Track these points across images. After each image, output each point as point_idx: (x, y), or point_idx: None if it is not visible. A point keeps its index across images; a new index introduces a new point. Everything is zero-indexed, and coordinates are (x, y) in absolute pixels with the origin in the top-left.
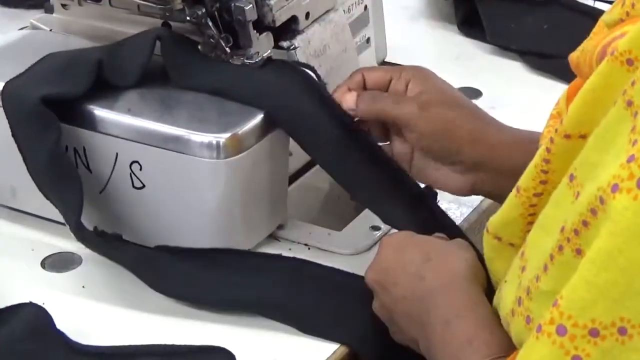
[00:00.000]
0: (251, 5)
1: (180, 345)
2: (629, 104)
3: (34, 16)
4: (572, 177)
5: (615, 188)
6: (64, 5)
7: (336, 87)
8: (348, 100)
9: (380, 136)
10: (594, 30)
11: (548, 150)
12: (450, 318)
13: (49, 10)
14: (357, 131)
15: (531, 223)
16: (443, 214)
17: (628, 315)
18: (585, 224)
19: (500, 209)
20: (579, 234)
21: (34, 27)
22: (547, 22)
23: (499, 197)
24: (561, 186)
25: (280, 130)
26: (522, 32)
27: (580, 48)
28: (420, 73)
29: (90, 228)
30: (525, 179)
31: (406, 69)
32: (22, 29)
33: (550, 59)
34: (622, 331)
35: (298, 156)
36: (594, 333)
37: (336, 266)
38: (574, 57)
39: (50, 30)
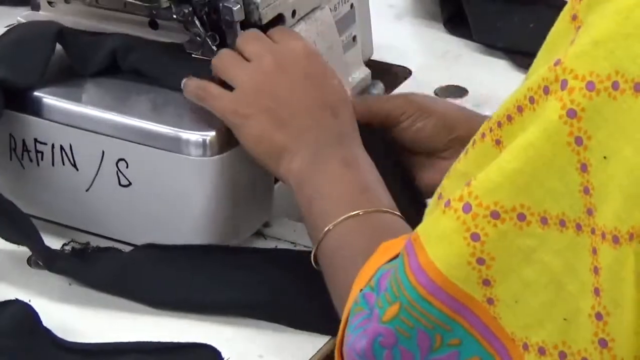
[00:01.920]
0: (239, 5)
1: (166, 342)
2: (574, 17)
3: (21, 13)
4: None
5: (546, 90)
6: (50, 3)
7: None
8: None
9: None
10: None
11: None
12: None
13: (36, 7)
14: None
15: None
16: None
17: (528, 203)
18: (509, 118)
19: None
20: (501, 126)
21: None
22: (534, 20)
23: None
24: None
25: None
26: (508, 31)
27: None
28: (411, 97)
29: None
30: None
31: (397, 97)
32: (8, 26)
33: (535, 57)
34: (520, 217)
35: None
36: (495, 215)
37: None
38: None
39: None
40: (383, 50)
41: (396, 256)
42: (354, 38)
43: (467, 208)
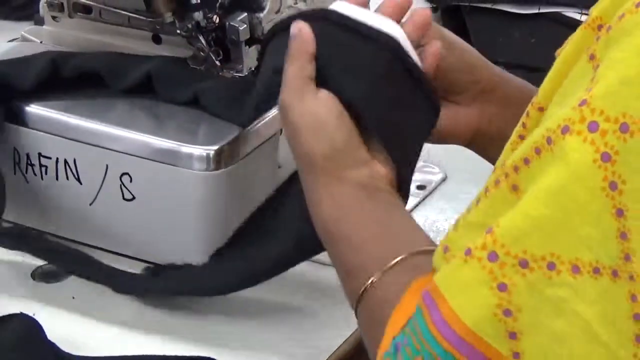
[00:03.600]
0: (245, 25)
1: (169, 356)
2: (592, 57)
3: (24, 28)
4: (523, 125)
5: (565, 129)
6: (54, 18)
7: None
8: None
9: None
10: None
11: (523, 125)
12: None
13: (39, 22)
14: None
15: None
16: None
17: (558, 251)
18: (526, 161)
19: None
20: (518, 170)
21: (24, 39)
22: (535, 35)
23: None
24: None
25: (269, 142)
26: (509, 46)
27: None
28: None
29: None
30: (501, 157)
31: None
32: (12, 40)
33: (537, 72)
34: (550, 266)
35: (287, 168)
36: (523, 264)
37: (325, 276)
38: (558, 52)
39: (41, 42)
40: None
41: None
42: None
43: (493, 257)
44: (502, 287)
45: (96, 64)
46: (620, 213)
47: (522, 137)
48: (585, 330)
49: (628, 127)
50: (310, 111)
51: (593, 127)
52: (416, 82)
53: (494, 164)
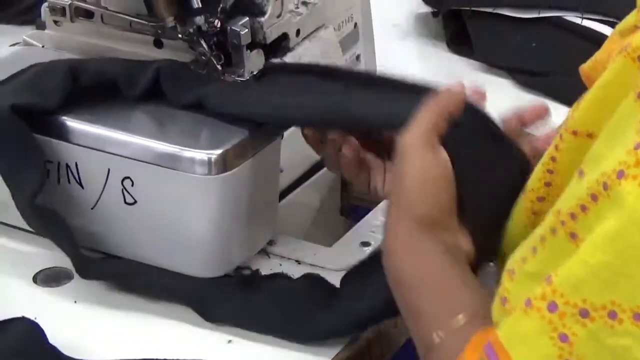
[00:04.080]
0: (247, 29)
1: None
2: (639, 96)
3: (26, 32)
4: (581, 173)
5: (620, 174)
6: (56, 22)
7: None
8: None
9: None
10: (606, 42)
11: (556, 147)
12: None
13: (41, 26)
14: None
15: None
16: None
17: (619, 299)
18: (583, 208)
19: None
20: (575, 218)
21: (26, 44)
22: (536, 39)
23: None
24: (571, 182)
25: (271, 146)
26: (510, 50)
27: (592, 59)
28: None
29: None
30: (532, 179)
31: None
32: (14, 45)
33: (538, 76)
34: (611, 314)
35: (289, 172)
36: (583, 313)
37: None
38: (585, 68)
39: (43, 46)
40: (386, 69)
41: None
42: (358, 57)
43: (552, 307)
44: (563, 338)
45: (113, 72)
46: None
47: (554, 159)
48: None
49: None
50: (429, 164)
51: None
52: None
53: None
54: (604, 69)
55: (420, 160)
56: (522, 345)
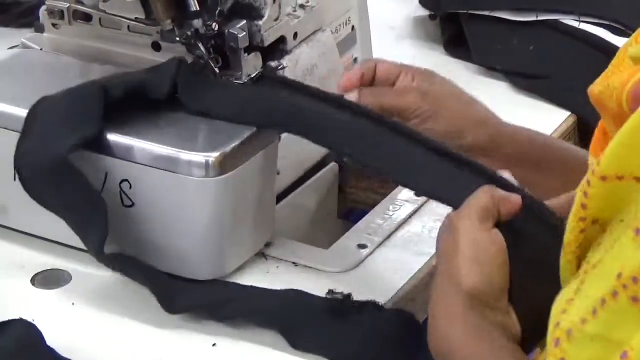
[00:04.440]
0: (245, 33)
1: None
2: None
3: (25, 35)
4: (637, 231)
5: None
6: (54, 25)
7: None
8: (350, 98)
9: None
10: (614, 62)
11: (585, 194)
12: None
13: (40, 29)
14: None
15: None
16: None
17: None
18: None
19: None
20: (637, 281)
21: (25, 46)
22: (533, 43)
23: None
24: (625, 240)
25: (268, 149)
26: (507, 53)
27: (602, 82)
28: (427, 71)
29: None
30: (567, 234)
31: (415, 68)
32: (12, 47)
33: (535, 79)
34: None
35: (286, 175)
36: None
37: (323, 284)
38: (595, 91)
39: (41, 49)
40: None
41: None
42: (356, 60)
43: None
44: None
45: (139, 79)
46: None
47: (584, 207)
48: None
49: None
50: (485, 241)
51: None
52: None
53: None
54: (618, 98)
55: (476, 236)
56: None
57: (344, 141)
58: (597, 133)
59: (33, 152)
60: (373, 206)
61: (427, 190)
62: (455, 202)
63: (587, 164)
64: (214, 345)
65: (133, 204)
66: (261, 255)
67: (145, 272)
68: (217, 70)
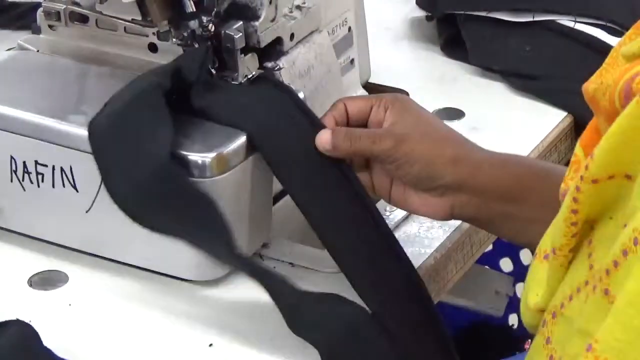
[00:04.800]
0: (241, 34)
1: None
2: None
3: (21, 37)
4: (611, 219)
5: None
6: (51, 27)
7: (321, 116)
8: (322, 140)
9: (359, 165)
10: (607, 61)
11: (575, 200)
12: None
13: (37, 31)
14: (337, 162)
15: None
16: (406, 260)
17: None
18: (615, 264)
19: (534, 278)
20: (609, 273)
21: (21, 48)
22: (530, 43)
23: (478, 222)
24: (602, 226)
25: None
26: (504, 54)
27: (596, 80)
28: (398, 102)
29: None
30: (557, 238)
31: (385, 97)
32: (9, 49)
33: (532, 80)
34: None
35: None
36: None
37: (319, 284)
38: (589, 89)
39: (38, 50)
40: (380, 73)
41: None
42: (352, 61)
43: None
44: None
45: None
46: None
47: (575, 212)
48: None
49: None
50: None
51: None
52: None
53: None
54: (611, 95)
55: None
56: None
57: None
58: (589, 128)
59: (127, 170)
60: None
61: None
62: None
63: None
64: (210, 345)
65: None
66: (258, 255)
67: (277, 286)
68: (213, 71)
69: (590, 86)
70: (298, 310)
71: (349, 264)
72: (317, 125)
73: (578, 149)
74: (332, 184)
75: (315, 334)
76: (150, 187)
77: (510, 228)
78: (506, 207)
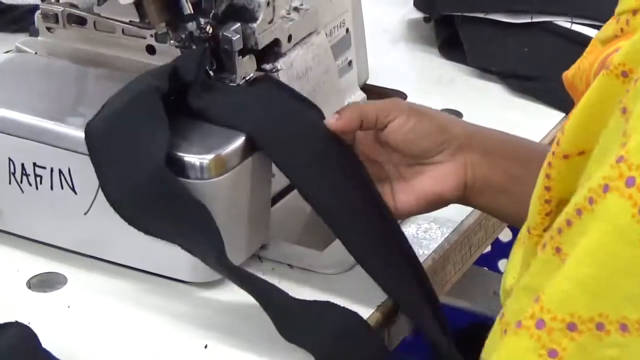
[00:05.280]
0: (238, 35)
1: None
2: (624, 111)
3: (19, 39)
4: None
5: (606, 188)
6: (49, 29)
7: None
8: (333, 118)
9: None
10: (588, 49)
11: (548, 176)
12: None
13: (34, 33)
14: (342, 151)
15: None
16: (411, 252)
17: (606, 310)
18: (569, 223)
19: (512, 261)
20: (561, 232)
21: (19, 50)
22: (527, 45)
23: (492, 188)
24: None
25: (263, 151)
26: (502, 55)
27: (574, 66)
28: (399, 103)
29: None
30: (532, 217)
31: (386, 103)
32: (7, 52)
33: (530, 81)
34: (599, 327)
35: (281, 177)
36: (571, 327)
37: (318, 286)
38: (568, 75)
39: (36, 53)
40: (378, 74)
41: None
42: (350, 62)
43: (540, 324)
44: (552, 354)
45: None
46: None
47: (548, 189)
48: None
49: None
50: None
51: (630, 182)
52: None
53: (487, 212)
54: (587, 78)
55: None
56: None
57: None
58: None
59: (123, 174)
60: None
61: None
62: None
63: None
64: (206, 347)
65: None
66: (256, 257)
67: (267, 293)
68: (211, 72)
69: (569, 73)
70: (289, 316)
71: (358, 248)
72: (321, 115)
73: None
74: (339, 172)
75: (308, 337)
76: (145, 191)
77: (523, 191)
78: (515, 167)
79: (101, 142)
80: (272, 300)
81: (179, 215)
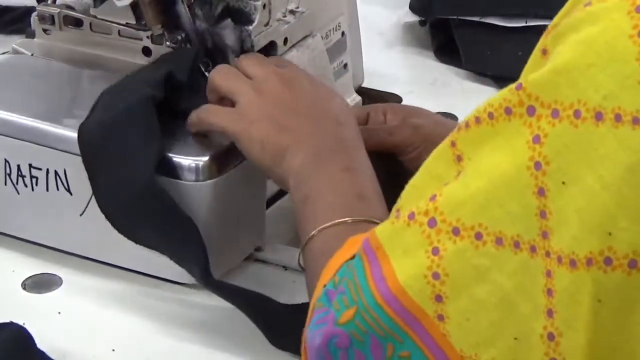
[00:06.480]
0: (234, 36)
1: None
2: (544, 52)
3: (16, 41)
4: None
5: (509, 111)
6: (45, 30)
7: None
8: None
9: None
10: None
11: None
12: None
13: (31, 35)
14: None
15: None
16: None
17: (486, 222)
18: (467, 125)
19: None
20: (459, 130)
21: (16, 52)
22: (523, 48)
23: None
24: None
25: None
26: (497, 59)
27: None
28: (394, 104)
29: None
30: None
31: (379, 105)
32: (3, 53)
33: None
34: (478, 236)
35: None
36: (455, 231)
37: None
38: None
39: (32, 54)
40: (374, 77)
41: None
42: (345, 65)
43: (432, 223)
44: (435, 251)
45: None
46: (541, 192)
47: (453, 144)
48: (504, 300)
49: (558, 113)
50: None
51: (531, 111)
52: None
53: None
54: None
55: None
56: (403, 255)
57: None
58: None
59: (115, 184)
60: None
61: None
62: None
63: None
64: (201, 347)
65: None
66: (251, 259)
67: (253, 304)
68: (206, 74)
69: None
70: (277, 324)
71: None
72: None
73: None
74: None
75: (299, 341)
76: (136, 204)
77: None
78: None
79: (94, 153)
80: (259, 312)
81: (167, 229)
